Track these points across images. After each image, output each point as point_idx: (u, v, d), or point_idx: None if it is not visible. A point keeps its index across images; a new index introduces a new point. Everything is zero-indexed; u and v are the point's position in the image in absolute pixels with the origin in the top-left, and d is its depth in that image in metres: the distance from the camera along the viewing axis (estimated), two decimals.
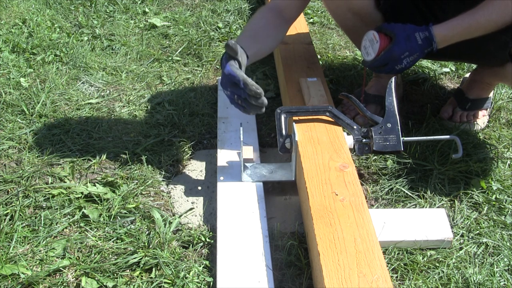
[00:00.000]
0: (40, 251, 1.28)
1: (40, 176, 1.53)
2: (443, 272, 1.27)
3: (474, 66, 1.92)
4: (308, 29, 2.06)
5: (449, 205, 1.49)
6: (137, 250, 1.27)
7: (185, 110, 1.86)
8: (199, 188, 1.56)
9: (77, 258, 1.27)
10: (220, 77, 2.05)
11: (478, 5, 1.37)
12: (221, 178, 1.48)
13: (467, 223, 1.42)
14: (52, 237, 1.33)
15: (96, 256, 1.27)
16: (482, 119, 1.82)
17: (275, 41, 1.61)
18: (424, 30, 1.39)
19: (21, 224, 1.35)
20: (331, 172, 1.30)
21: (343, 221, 1.16)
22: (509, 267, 1.30)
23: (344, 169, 1.31)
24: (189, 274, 1.23)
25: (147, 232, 1.35)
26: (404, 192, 1.51)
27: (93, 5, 2.66)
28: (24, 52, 2.21)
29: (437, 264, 1.29)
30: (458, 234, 1.38)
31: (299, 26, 2.05)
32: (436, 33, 1.38)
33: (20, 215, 1.39)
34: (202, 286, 1.22)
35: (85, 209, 1.40)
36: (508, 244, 1.36)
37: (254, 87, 1.26)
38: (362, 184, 1.52)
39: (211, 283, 1.22)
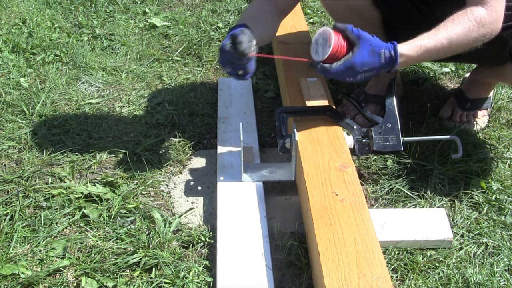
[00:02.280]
0: (40, 251, 1.28)
1: (40, 176, 1.53)
2: (443, 272, 1.27)
3: (474, 66, 1.92)
4: (308, 29, 2.06)
5: (449, 205, 1.49)
6: (137, 250, 1.27)
7: (185, 110, 1.86)
8: (199, 188, 1.56)
9: (77, 258, 1.27)
10: (220, 77, 2.05)
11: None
12: (221, 178, 1.48)
13: (467, 223, 1.42)
14: (52, 237, 1.33)
15: (96, 256, 1.27)
16: (482, 119, 1.82)
17: (273, 29, 1.62)
18: (391, 48, 1.27)
19: (21, 224, 1.35)
20: (331, 172, 1.30)
21: (343, 221, 1.16)
22: (509, 267, 1.30)
23: (344, 169, 1.31)
24: (189, 274, 1.23)
25: (147, 232, 1.35)
26: (404, 192, 1.51)
27: (93, 5, 2.66)
28: (24, 52, 2.21)
29: (437, 264, 1.29)
30: (458, 234, 1.38)
31: (299, 26, 2.05)
32: (400, 52, 1.27)
33: (20, 215, 1.39)
34: (202, 286, 1.22)
35: (85, 209, 1.40)
36: (508, 244, 1.36)
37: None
38: (362, 184, 1.52)
39: (211, 283, 1.22)
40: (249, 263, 1.22)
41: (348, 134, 1.45)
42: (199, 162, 1.66)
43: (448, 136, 1.45)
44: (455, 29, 1.29)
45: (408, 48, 1.28)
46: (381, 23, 1.72)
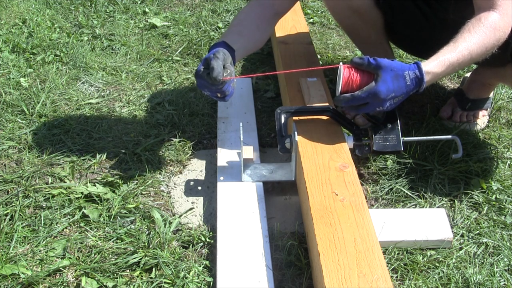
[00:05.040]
0: (40, 251, 1.28)
1: (40, 176, 1.53)
2: (443, 272, 1.27)
3: (475, 66, 1.92)
4: (308, 29, 2.06)
5: (449, 205, 1.49)
6: (137, 250, 1.27)
7: (185, 110, 1.86)
8: (199, 188, 1.56)
9: (77, 258, 1.27)
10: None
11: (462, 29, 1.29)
12: (221, 178, 1.48)
13: (467, 223, 1.42)
14: (52, 237, 1.33)
15: (96, 256, 1.27)
16: (482, 119, 1.82)
17: (264, 33, 1.59)
18: (415, 68, 1.25)
19: (21, 224, 1.35)
20: (331, 172, 1.30)
21: (343, 221, 1.16)
22: (509, 267, 1.30)
23: (344, 169, 1.31)
24: (189, 274, 1.23)
25: (147, 232, 1.35)
26: (404, 192, 1.51)
27: (93, 5, 2.66)
28: (24, 52, 2.21)
29: (437, 264, 1.29)
30: (458, 234, 1.38)
31: (299, 26, 2.05)
32: (426, 70, 1.25)
33: (20, 215, 1.39)
34: (202, 286, 1.22)
35: (85, 209, 1.40)
36: (508, 244, 1.36)
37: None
38: (362, 184, 1.52)
39: (211, 283, 1.22)
40: (249, 263, 1.22)
41: (348, 134, 1.45)
42: (199, 162, 1.66)
43: (448, 136, 1.45)
44: (473, 38, 1.26)
45: (433, 65, 1.26)
46: (382, 24, 1.72)
